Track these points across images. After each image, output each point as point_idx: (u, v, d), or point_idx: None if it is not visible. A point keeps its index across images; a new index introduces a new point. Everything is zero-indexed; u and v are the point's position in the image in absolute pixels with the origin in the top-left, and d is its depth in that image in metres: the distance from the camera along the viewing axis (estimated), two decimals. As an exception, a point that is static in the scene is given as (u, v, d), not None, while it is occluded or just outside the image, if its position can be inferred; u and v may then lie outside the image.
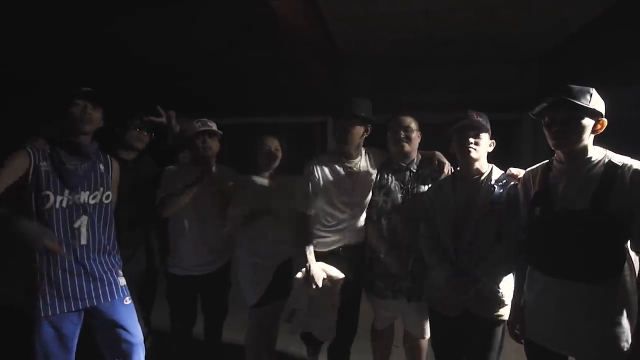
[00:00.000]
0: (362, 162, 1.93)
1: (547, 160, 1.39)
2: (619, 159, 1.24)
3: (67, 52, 3.81)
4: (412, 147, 1.83)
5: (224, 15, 3.15)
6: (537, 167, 1.42)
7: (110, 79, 3.22)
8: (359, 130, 1.87)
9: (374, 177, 1.91)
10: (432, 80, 4.35)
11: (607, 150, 1.29)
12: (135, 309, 1.70)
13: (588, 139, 1.27)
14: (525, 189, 1.43)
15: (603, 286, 1.20)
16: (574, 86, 1.26)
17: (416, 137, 1.83)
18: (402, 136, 1.80)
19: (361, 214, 1.90)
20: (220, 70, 4.49)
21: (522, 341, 1.45)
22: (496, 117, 1.60)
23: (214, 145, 1.96)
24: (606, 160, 1.24)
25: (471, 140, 1.52)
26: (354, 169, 1.91)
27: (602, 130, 1.28)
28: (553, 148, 1.32)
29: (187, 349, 2.08)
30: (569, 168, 1.29)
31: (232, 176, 2.06)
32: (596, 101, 1.25)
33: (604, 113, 1.26)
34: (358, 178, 1.90)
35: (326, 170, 1.90)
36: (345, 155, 1.92)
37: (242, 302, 2.04)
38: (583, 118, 1.24)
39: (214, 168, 1.87)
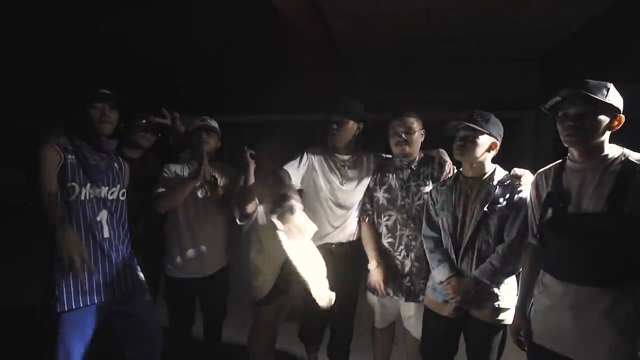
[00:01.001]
0: (355, 160, 1.96)
1: (560, 160, 1.33)
2: (636, 156, 1.18)
3: (68, 51, 3.81)
4: (413, 148, 1.81)
5: (225, 12, 3.15)
6: (549, 167, 1.36)
7: (112, 78, 3.22)
8: (351, 127, 1.90)
9: (366, 176, 1.92)
10: (434, 79, 4.34)
11: (624, 148, 1.22)
12: None
13: (603, 135, 1.20)
14: (537, 190, 1.37)
15: (619, 291, 1.14)
16: (591, 80, 1.20)
17: (418, 137, 1.81)
18: (402, 138, 1.78)
19: (351, 210, 1.91)
20: (221, 68, 4.49)
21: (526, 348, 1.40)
22: (497, 115, 1.58)
23: (212, 141, 1.97)
24: (623, 159, 1.18)
25: (459, 142, 1.52)
26: (346, 164, 1.94)
27: (618, 127, 1.21)
28: (566, 145, 1.26)
29: (187, 348, 2.08)
30: (583, 167, 1.23)
31: (233, 173, 2.06)
32: (614, 96, 1.19)
33: (621, 109, 1.20)
34: (348, 173, 1.92)
35: (318, 158, 1.94)
36: (337, 151, 1.95)
37: (243, 301, 2.04)
38: (598, 113, 1.18)
39: (205, 165, 1.85)
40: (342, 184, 1.90)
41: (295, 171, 1.87)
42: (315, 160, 1.93)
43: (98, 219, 1.52)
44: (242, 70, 4.56)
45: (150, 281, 2.03)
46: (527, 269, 1.43)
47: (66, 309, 1.42)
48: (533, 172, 1.47)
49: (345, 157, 1.95)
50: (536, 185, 1.39)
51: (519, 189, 1.49)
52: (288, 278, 2.03)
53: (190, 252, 1.93)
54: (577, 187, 1.22)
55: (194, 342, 2.12)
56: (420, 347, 1.76)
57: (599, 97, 1.16)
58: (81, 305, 1.45)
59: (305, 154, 1.94)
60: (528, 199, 1.44)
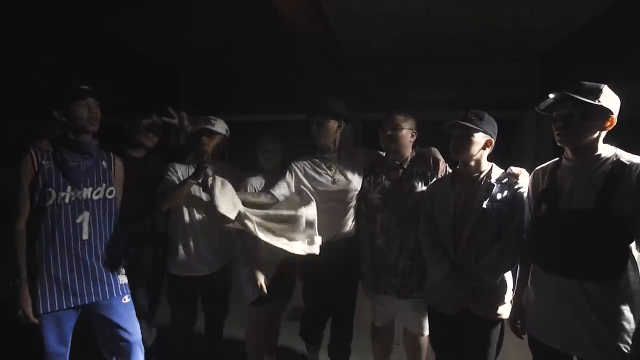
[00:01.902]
0: (342, 157, 1.98)
1: (557, 158, 1.37)
2: (628, 157, 1.21)
3: (67, 50, 3.81)
4: (399, 145, 1.83)
5: (224, 12, 3.15)
6: (547, 164, 1.41)
7: (112, 78, 3.23)
8: (332, 126, 1.94)
9: (357, 173, 1.94)
10: (434, 78, 4.33)
11: (617, 148, 1.25)
12: (142, 306, 1.71)
13: (594, 135, 1.23)
14: (534, 186, 1.42)
15: (605, 286, 1.19)
16: (585, 82, 1.23)
17: (406, 135, 1.83)
18: (388, 134, 1.82)
19: (345, 208, 1.92)
20: (220, 67, 4.49)
21: (523, 337, 1.46)
22: (498, 115, 1.60)
23: (211, 143, 1.97)
24: (614, 159, 1.21)
25: (456, 141, 1.55)
26: (334, 162, 1.96)
27: (611, 128, 1.24)
28: (558, 144, 1.30)
29: (189, 346, 2.08)
30: (576, 165, 1.27)
31: (234, 174, 2.06)
32: (606, 98, 1.21)
33: (615, 110, 1.23)
34: (337, 171, 1.94)
35: (307, 164, 1.97)
36: (323, 151, 1.98)
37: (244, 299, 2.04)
38: (587, 115, 1.21)
39: (209, 168, 1.84)
40: (333, 183, 1.92)
41: (287, 187, 1.92)
42: (300, 169, 1.96)
43: (78, 221, 1.53)
44: (242, 70, 4.56)
45: (153, 280, 2.04)
46: (522, 262, 1.47)
47: (41, 311, 1.47)
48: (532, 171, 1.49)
49: (333, 156, 1.98)
50: (533, 181, 1.43)
51: (516, 186, 1.51)
52: (284, 280, 2.03)
53: (192, 251, 1.93)
54: (569, 184, 1.26)
55: (195, 340, 2.12)
56: (430, 342, 1.80)
57: (588, 100, 1.19)
58: (57, 308, 1.49)
59: (290, 168, 1.97)
60: (525, 195, 1.48)
